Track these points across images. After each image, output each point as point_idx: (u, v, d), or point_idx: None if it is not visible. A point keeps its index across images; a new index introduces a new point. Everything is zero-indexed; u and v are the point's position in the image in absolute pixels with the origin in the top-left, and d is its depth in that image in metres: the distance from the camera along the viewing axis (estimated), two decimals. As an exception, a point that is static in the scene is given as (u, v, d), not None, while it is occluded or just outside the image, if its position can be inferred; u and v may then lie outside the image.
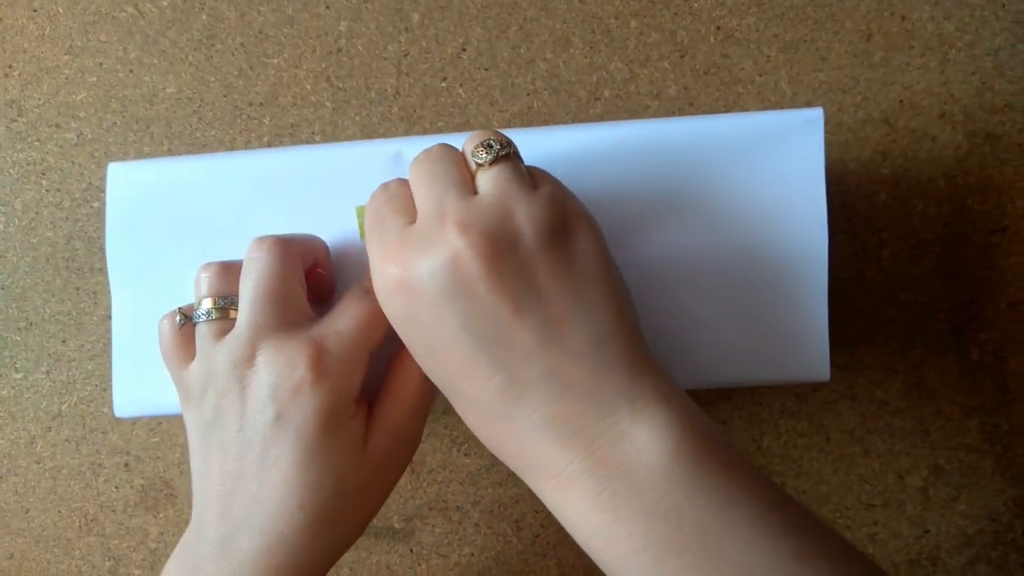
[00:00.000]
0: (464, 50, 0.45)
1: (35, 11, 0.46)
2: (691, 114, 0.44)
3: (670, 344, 0.34)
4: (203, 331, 0.32)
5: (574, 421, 0.27)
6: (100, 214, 0.46)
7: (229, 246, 0.35)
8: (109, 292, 0.37)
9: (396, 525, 0.45)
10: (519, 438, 0.28)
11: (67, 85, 0.46)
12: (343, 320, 0.31)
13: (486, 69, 0.45)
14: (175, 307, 0.34)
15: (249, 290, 0.31)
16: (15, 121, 0.46)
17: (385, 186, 0.31)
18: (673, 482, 0.26)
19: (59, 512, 0.47)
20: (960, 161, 0.43)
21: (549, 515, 0.44)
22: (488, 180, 0.29)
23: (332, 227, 0.35)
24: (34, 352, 0.46)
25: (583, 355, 0.27)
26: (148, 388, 0.36)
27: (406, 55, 0.45)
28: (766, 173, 0.34)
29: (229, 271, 0.32)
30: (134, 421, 0.46)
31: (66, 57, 0.46)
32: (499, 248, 0.27)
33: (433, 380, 0.31)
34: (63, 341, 0.46)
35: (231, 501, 0.30)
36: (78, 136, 0.46)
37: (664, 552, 0.25)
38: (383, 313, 0.31)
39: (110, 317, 0.38)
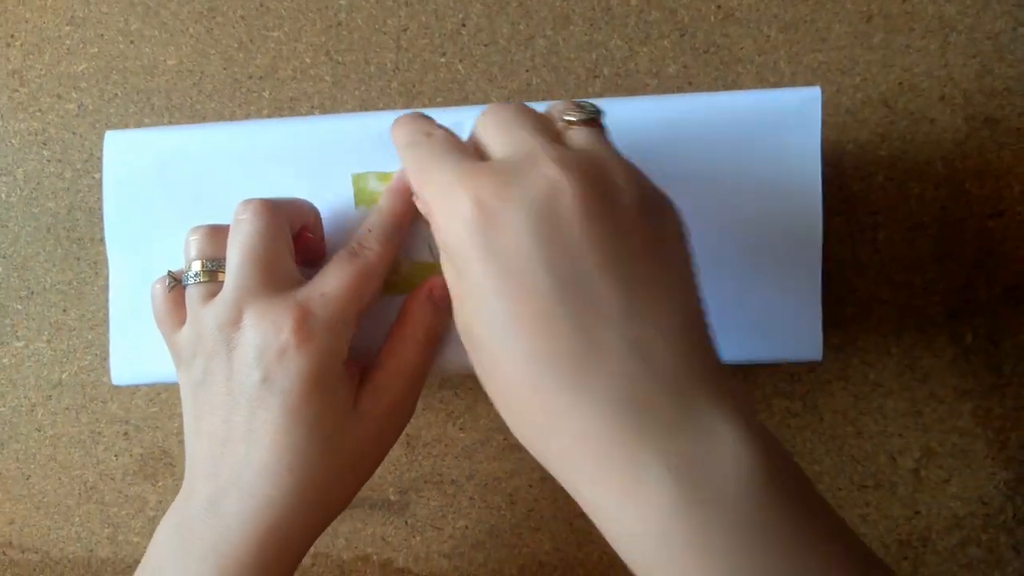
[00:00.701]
0: (464, 26, 0.45)
1: (38, -19, 0.46)
2: (690, 92, 0.44)
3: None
4: (192, 294, 0.32)
5: (653, 408, 0.23)
6: (101, 185, 0.46)
7: (226, 214, 0.36)
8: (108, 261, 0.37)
9: (391, 497, 0.46)
10: (582, 419, 0.23)
11: (68, 56, 0.46)
12: (329, 282, 0.31)
13: (485, 45, 0.45)
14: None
15: (236, 253, 0.31)
16: (16, 91, 0.46)
17: (428, 133, 0.29)
18: (765, 498, 0.22)
19: (59, 479, 0.47)
20: (959, 144, 0.43)
21: (543, 490, 0.45)
22: (581, 136, 0.27)
23: (328, 196, 0.35)
24: (35, 321, 0.47)
25: (671, 332, 0.24)
26: (146, 356, 0.36)
27: (405, 30, 0.45)
28: (762, 152, 0.34)
29: (218, 234, 0.32)
30: (133, 391, 0.46)
31: (67, 28, 0.46)
32: (599, 194, 0.25)
33: (479, 340, 0.27)
34: (64, 310, 0.47)
35: (220, 462, 0.30)
36: (79, 107, 0.46)
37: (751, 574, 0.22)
38: (372, 274, 0.31)
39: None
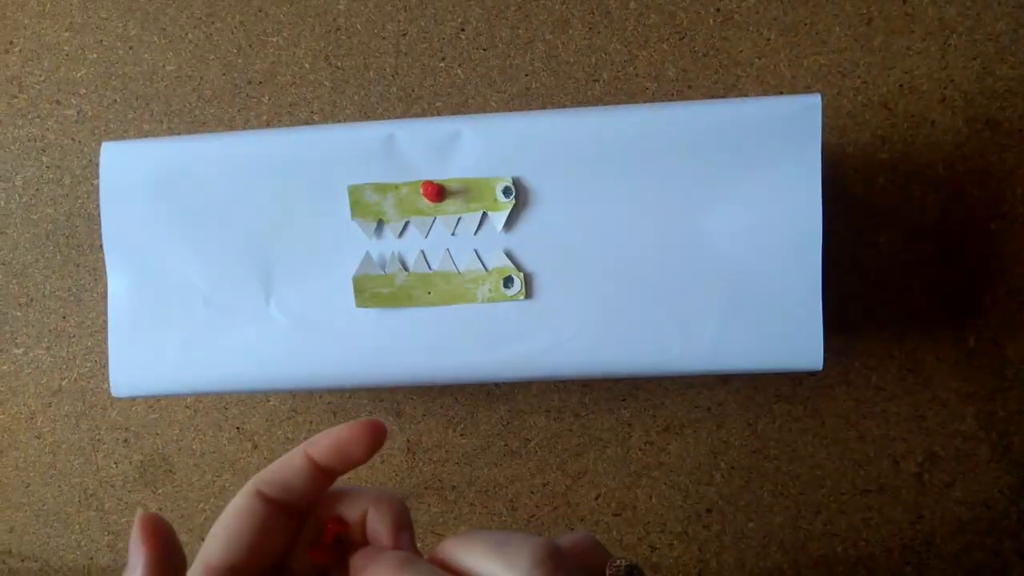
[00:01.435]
0: (463, 30, 0.45)
1: (37, -12, 0.46)
2: (690, 96, 0.44)
3: (664, 331, 0.34)
4: None
5: None
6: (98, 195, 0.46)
7: (222, 225, 0.36)
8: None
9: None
10: None
11: (67, 62, 0.46)
12: (210, 543, 0.24)
13: (485, 49, 0.45)
14: (169, 287, 0.33)
15: None
16: (15, 97, 0.46)
17: None
18: None
19: (59, 487, 0.47)
20: (959, 147, 0.43)
21: (544, 495, 0.45)
22: None
23: (325, 207, 0.35)
24: (34, 328, 0.47)
25: None
26: (145, 368, 0.36)
27: (405, 35, 0.45)
28: (762, 159, 0.34)
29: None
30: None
31: (66, 34, 0.46)
32: None
33: None
34: (63, 317, 0.47)
35: None
36: (78, 113, 0.46)
37: None
38: (248, 512, 0.24)
39: (107, 292, 0.38)
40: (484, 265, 0.35)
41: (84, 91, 0.46)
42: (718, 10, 0.44)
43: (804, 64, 0.43)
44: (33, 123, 0.46)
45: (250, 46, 0.46)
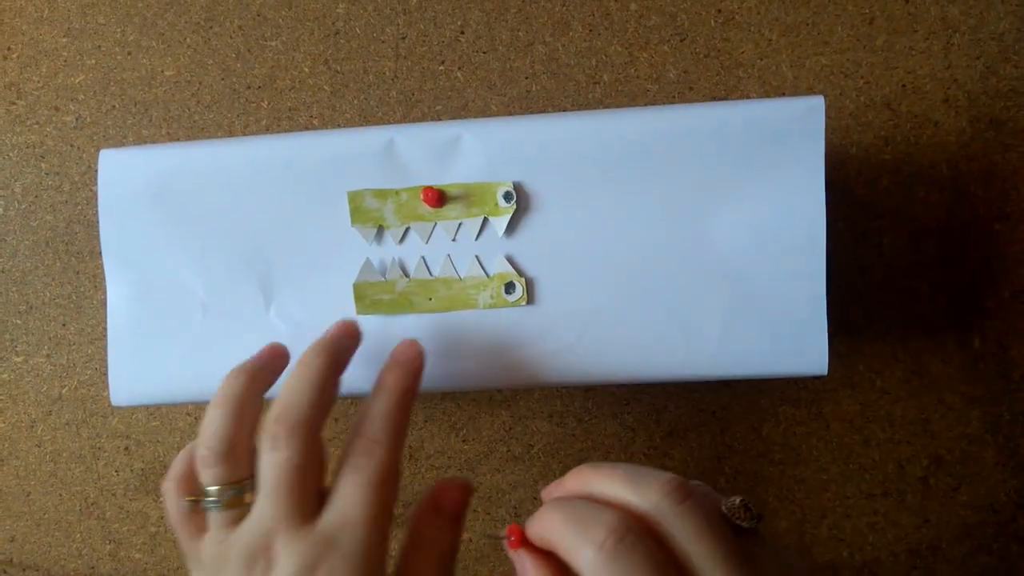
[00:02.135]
0: (462, 33, 0.44)
1: (34, -6, 0.46)
2: (691, 98, 0.44)
3: (667, 336, 0.34)
4: (215, 517, 0.30)
5: None
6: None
7: (221, 232, 0.35)
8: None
9: (394, 511, 0.45)
10: None
11: (66, 68, 0.46)
12: (351, 506, 0.29)
13: (484, 52, 0.44)
14: (169, 295, 0.33)
15: (271, 481, 0.29)
16: (14, 104, 0.46)
17: (646, 553, 0.26)
18: None
19: (60, 495, 0.47)
20: (963, 147, 0.42)
21: (546, 501, 0.44)
22: (764, 553, 0.27)
23: (323, 214, 0.35)
24: (34, 335, 0.46)
25: None
26: (145, 377, 0.36)
27: (404, 38, 0.45)
28: (765, 162, 0.33)
29: (235, 453, 0.30)
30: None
31: (64, 39, 0.46)
32: None
33: None
34: (63, 324, 0.46)
35: None
36: (77, 119, 0.46)
37: None
38: (389, 475, 0.29)
39: (106, 300, 0.38)
40: (485, 271, 0.35)
41: (82, 97, 0.46)
42: (719, 11, 0.43)
43: (806, 65, 0.43)
44: (32, 129, 0.46)
45: (249, 51, 0.45)
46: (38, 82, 0.46)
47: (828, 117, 0.42)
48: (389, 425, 0.31)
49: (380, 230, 0.35)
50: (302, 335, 0.35)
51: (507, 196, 0.34)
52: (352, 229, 0.35)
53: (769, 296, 0.34)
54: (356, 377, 0.34)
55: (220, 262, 0.35)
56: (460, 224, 0.35)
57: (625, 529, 0.25)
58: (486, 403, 0.45)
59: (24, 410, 0.47)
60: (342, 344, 0.32)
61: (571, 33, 0.44)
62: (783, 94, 0.43)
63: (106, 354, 0.45)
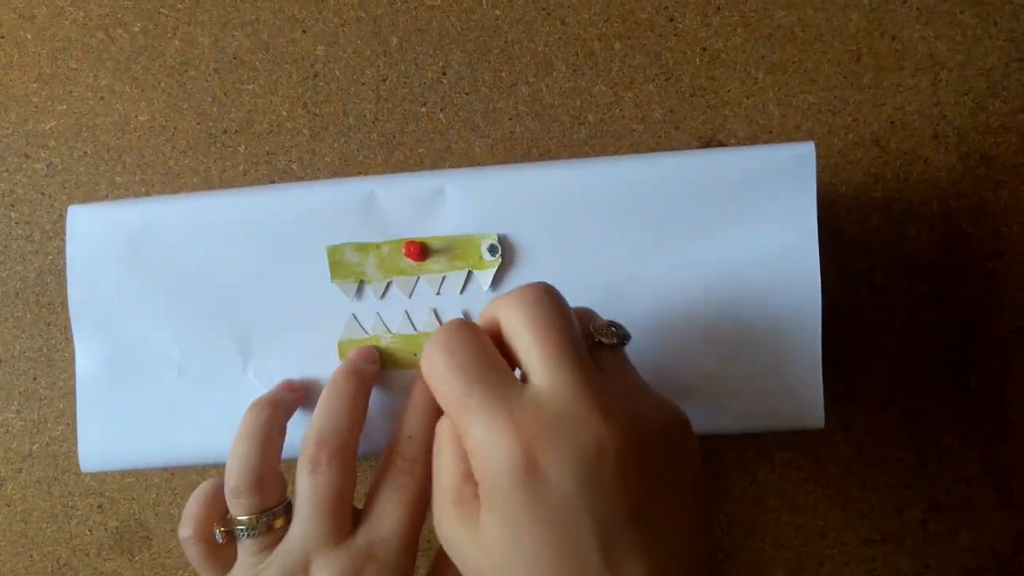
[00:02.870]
0: (444, 74, 0.44)
1: (2, 37, 0.45)
2: (677, 137, 0.43)
3: (659, 391, 0.33)
4: (248, 544, 0.32)
5: None
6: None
7: (197, 290, 0.34)
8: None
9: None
10: None
11: (36, 114, 0.45)
12: (388, 522, 0.31)
13: (467, 93, 0.43)
14: (141, 357, 0.32)
15: (309, 505, 0.31)
16: (-18, 152, 0.45)
17: (470, 334, 0.28)
18: None
19: (30, 557, 0.45)
20: (954, 183, 0.42)
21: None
22: (614, 365, 0.28)
23: (303, 269, 0.34)
24: (3, 390, 0.45)
25: (680, 557, 0.26)
26: (116, 441, 0.35)
27: (385, 80, 0.44)
28: (756, 212, 0.33)
29: (266, 481, 0.31)
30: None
31: (35, 85, 0.45)
32: (638, 444, 0.26)
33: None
34: (34, 378, 0.45)
35: None
36: (48, 166, 0.45)
37: None
38: (424, 494, 0.31)
39: (77, 358, 0.37)
40: (471, 325, 0.34)
41: (53, 143, 0.45)
42: (704, 49, 0.43)
43: (793, 103, 0.42)
44: (1, 177, 0.45)
45: (225, 94, 0.44)
46: (7, 128, 0.45)
47: (817, 155, 0.41)
48: (425, 442, 0.31)
49: (361, 285, 0.34)
50: (281, 394, 0.34)
51: (492, 249, 0.33)
52: (332, 284, 0.34)
53: (762, 349, 0.33)
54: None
55: (196, 321, 0.34)
56: (444, 278, 0.34)
57: (460, 322, 0.28)
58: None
59: (-6, 467, 0.45)
60: (367, 369, 0.33)
61: (555, 73, 0.43)
62: (770, 132, 0.42)
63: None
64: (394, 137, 0.44)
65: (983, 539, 0.42)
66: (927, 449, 0.42)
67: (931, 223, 0.42)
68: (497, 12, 0.43)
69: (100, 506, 0.45)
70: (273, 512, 0.31)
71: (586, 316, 0.30)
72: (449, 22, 0.44)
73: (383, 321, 0.34)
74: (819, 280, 0.32)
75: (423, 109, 0.44)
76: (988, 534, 0.42)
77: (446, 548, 0.28)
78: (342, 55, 0.44)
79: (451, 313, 0.34)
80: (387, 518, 0.31)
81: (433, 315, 0.34)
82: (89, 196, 0.44)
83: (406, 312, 0.34)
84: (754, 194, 0.32)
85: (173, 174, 0.44)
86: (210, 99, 0.44)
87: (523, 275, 0.33)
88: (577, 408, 0.25)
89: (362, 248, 0.33)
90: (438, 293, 0.34)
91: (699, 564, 0.27)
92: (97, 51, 0.45)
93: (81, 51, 0.45)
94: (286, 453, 0.33)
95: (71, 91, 0.45)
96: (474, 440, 0.26)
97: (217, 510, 0.33)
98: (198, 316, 0.34)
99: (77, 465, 0.45)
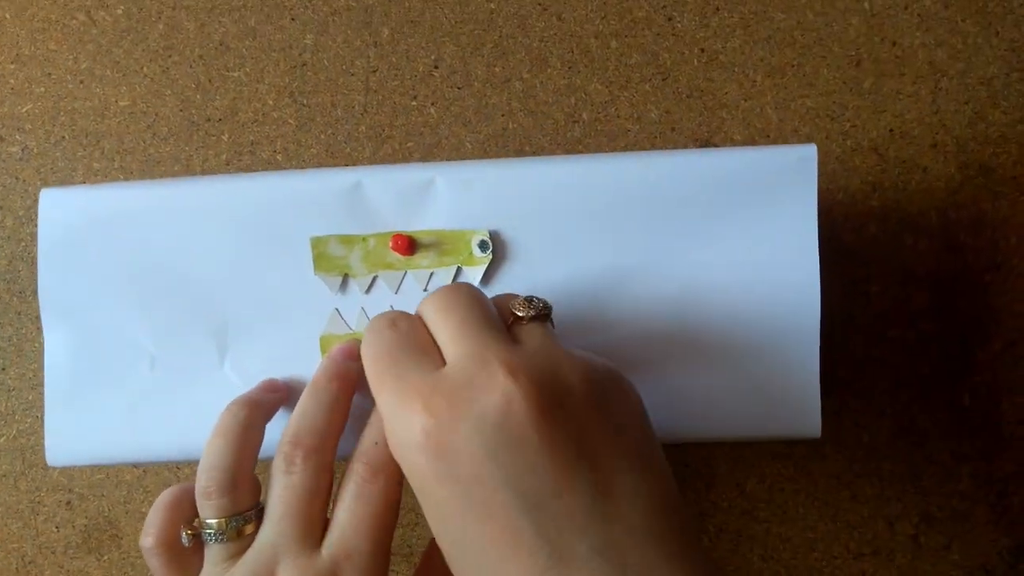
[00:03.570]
0: (436, 67, 0.42)
1: (-20, 17, 0.43)
2: (673, 138, 0.42)
3: (650, 396, 0.32)
4: (216, 550, 0.30)
5: None
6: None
7: (173, 280, 0.33)
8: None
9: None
10: None
11: (12, 96, 0.43)
12: (352, 537, 0.29)
13: (459, 88, 0.42)
14: (113, 348, 0.30)
15: (278, 505, 0.29)
16: (-45, 133, 0.43)
17: (393, 322, 0.28)
18: None
19: (-7, 553, 0.43)
20: (952, 194, 0.41)
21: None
22: (529, 333, 0.27)
23: (284, 260, 0.32)
24: (-30, 380, 0.43)
25: (640, 529, 0.24)
26: (85, 436, 0.33)
27: (375, 71, 0.43)
28: (753, 214, 0.32)
29: (239, 484, 0.30)
30: (77, 456, 0.43)
31: (12, 66, 0.43)
32: (553, 397, 0.24)
33: (449, 556, 0.26)
34: (2, 369, 0.43)
35: None
36: (23, 150, 0.43)
37: None
38: (394, 502, 0.29)
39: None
40: (458, 323, 0.32)
41: (29, 127, 0.43)
42: (702, 50, 0.42)
43: (791, 107, 0.42)
44: (-27, 160, 0.43)
45: (209, 81, 0.43)
46: (-18, 110, 0.43)
47: (815, 161, 0.41)
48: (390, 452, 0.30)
49: (345, 279, 0.33)
50: (259, 391, 0.33)
51: (482, 245, 0.32)
52: (315, 277, 0.32)
53: (758, 354, 0.32)
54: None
55: (171, 312, 0.33)
56: (432, 274, 0.32)
57: (389, 313, 0.28)
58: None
59: (-42, 460, 0.43)
60: (351, 367, 0.31)
61: (549, 70, 0.42)
62: (768, 136, 0.42)
63: (49, 401, 0.42)
64: (383, 130, 0.42)
65: (975, 554, 0.41)
66: (920, 462, 0.41)
67: (929, 233, 0.41)
68: (492, 6, 0.42)
69: (68, 503, 0.43)
70: (244, 516, 0.30)
71: (508, 296, 0.29)
72: (442, 14, 0.43)
73: (368, 316, 0.33)
74: (818, 286, 0.32)
75: (414, 102, 0.43)
76: (981, 549, 0.41)
77: None
78: (331, 44, 0.43)
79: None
80: (351, 532, 0.29)
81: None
82: (65, 181, 0.43)
83: (392, 308, 0.33)
84: (752, 196, 0.32)
85: (153, 161, 0.43)
86: (194, 86, 0.43)
87: (514, 272, 0.32)
88: (481, 374, 0.25)
89: (347, 240, 0.32)
90: (425, 289, 0.32)
91: (663, 522, 0.24)
92: (78, 33, 0.43)
93: (61, 32, 0.43)
94: (264, 456, 0.31)
95: (49, 73, 0.43)
96: (387, 421, 0.26)
97: (182, 517, 0.31)
98: (173, 307, 0.33)
99: (45, 459, 0.43)
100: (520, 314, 0.28)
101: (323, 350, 0.33)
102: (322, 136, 0.43)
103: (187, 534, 0.30)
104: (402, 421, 0.25)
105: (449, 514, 0.25)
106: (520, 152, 0.42)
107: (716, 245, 0.32)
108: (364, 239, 0.32)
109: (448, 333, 0.27)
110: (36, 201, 0.42)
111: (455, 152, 0.42)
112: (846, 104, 0.42)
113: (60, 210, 0.33)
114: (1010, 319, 0.41)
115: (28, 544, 0.43)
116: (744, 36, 0.42)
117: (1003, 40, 0.41)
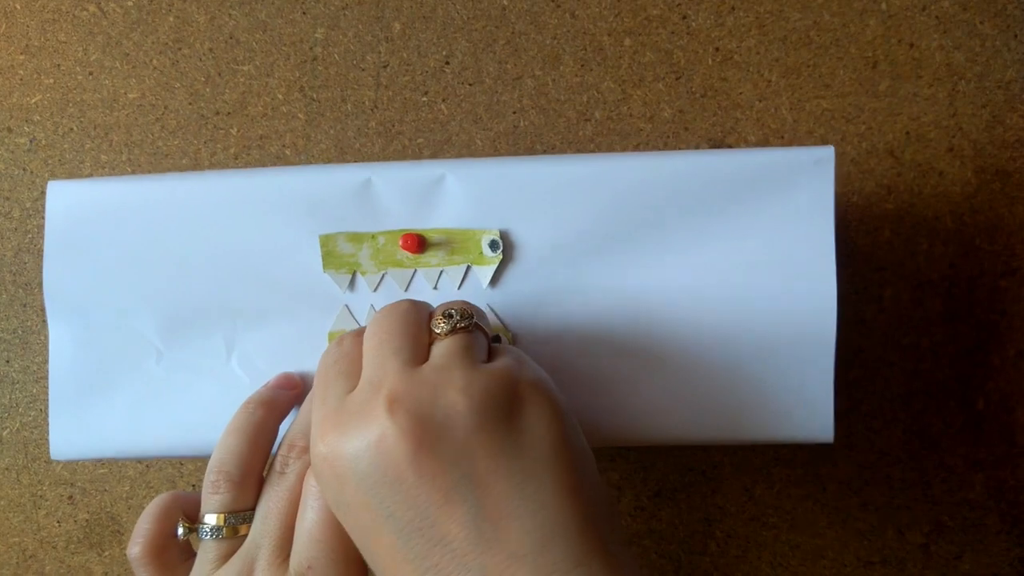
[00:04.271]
0: (448, 63, 0.42)
1: (-10, 7, 0.43)
2: (686, 138, 0.41)
3: (661, 398, 0.31)
4: (207, 547, 0.30)
5: None
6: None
7: (180, 274, 0.32)
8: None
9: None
10: None
11: (22, 87, 0.43)
12: (313, 545, 0.28)
13: (470, 84, 0.42)
14: (119, 341, 0.30)
15: (264, 504, 0.30)
16: (-37, 124, 0.43)
17: (340, 341, 0.29)
18: None
19: (-5, 546, 0.43)
20: (968, 198, 0.41)
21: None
22: (439, 351, 0.27)
23: (293, 256, 0.32)
24: (-25, 372, 0.43)
25: (524, 557, 0.23)
26: (90, 430, 0.33)
27: (386, 66, 0.42)
28: (769, 216, 0.31)
29: (244, 481, 0.30)
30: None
31: (22, 57, 0.43)
32: (429, 429, 0.24)
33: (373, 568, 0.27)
34: (7, 361, 0.43)
35: None
36: (31, 141, 0.43)
37: None
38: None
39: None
40: (467, 322, 0.32)
41: (38, 118, 0.43)
42: (717, 49, 0.41)
43: (806, 108, 0.41)
44: (-19, 151, 0.43)
45: (219, 74, 0.43)
46: (-10, 100, 0.43)
47: (829, 163, 0.40)
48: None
49: (354, 276, 0.32)
50: (265, 387, 0.32)
51: (493, 245, 0.31)
52: (324, 274, 0.32)
53: (774, 361, 0.31)
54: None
55: (178, 307, 0.32)
56: (441, 272, 0.32)
57: (342, 336, 0.29)
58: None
59: (-39, 453, 0.43)
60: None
61: (562, 67, 0.42)
62: (782, 137, 0.41)
63: (53, 395, 0.42)
64: (393, 126, 0.42)
65: (987, 564, 0.41)
66: (931, 469, 0.41)
67: (944, 238, 0.41)
68: (505, 2, 0.42)
69: (71, 497, 0.43)
70: (242, 515, 0.30)
71: (439, 308, 0.29)
72: (455, 10, 0.42)
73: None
74: (835, 291, 0.31)
75: (424, 98, 0.42)
76: (992, 559, 0.41)
77: None
78: (342, 39, 0.42)
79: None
80: (308, 542, 0.28)
81: (428, 310, 0.32)
82: (73, 174, 0.43)
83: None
84: (768, 197, 0.31)
85: (162, 155, 0.42)
86: (203, 79, 0.43)
87: (524, 273, 0.32)
88: (367, 404, 0.25)
89: (356, 238, 0.32)
90: (435, 288, 0.32)
91: (561, 544, 0.24)
92: (88, 24, 0.43)
93: (71, 24, 0.43)
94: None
95: (59, 64, 0.43)
96: (311, 443, 0.27)
97: (171, 525, 0.31)
98: (180, 301, 0.32)
99: (48, 453, 0.43)
100: (436, 331, 0.28)
101: (330, 347, 0.32)
102: (332, 131, 0.42)
103: (184, 527, 0.30)
104: (312, 443, 0.26)
105: (349, 528, 0.26)
106: (531, 150, 0.42)
107: (731, 246, 0.31)
108: (373, 236, 0.32)
109: (365, 356, 0.27)
110: (43, 193, 0.42)
111: (466, 149, 0.42)
112: (862, 106, 0.41)
113: (67, 202, 0.32)
114: (1026, 326, 0.40)
115: (29, 538, 0.43)
116: (759, 36, 0.41)
117: (1021, 43, 0.41)
